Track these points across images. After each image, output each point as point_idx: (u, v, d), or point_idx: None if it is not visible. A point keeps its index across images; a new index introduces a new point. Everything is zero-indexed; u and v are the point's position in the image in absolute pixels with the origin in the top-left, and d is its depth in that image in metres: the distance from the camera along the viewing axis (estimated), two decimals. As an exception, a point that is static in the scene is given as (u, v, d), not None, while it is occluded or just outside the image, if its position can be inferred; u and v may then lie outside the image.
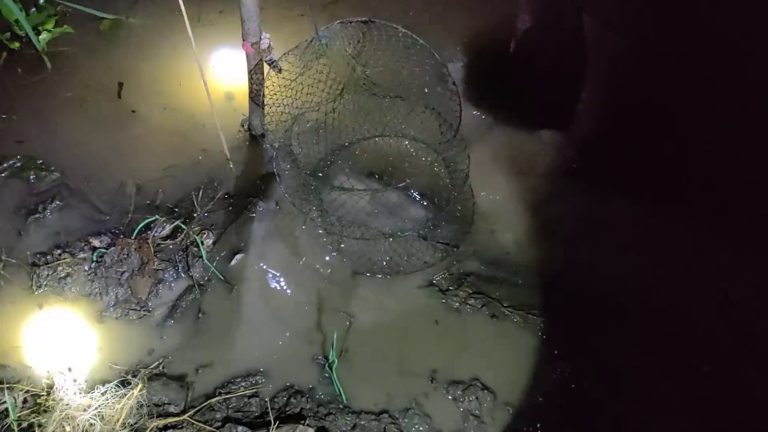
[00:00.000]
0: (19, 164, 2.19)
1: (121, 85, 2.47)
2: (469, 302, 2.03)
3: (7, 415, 1.67)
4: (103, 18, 2.64)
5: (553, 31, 2.24)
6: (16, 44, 2.46)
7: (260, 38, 1.90)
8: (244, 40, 1.92)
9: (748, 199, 2.17)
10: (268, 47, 1.92)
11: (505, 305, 2.04)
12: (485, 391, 1.87)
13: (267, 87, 1.97)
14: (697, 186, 2.30)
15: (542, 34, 2.28)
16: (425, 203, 2.15)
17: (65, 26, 2.51)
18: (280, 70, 1.97)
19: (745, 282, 2.05)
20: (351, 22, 1.99)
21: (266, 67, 1.99)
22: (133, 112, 2.39)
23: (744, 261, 2.09)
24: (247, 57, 1.98)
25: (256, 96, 2.12)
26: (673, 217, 2.26)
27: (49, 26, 2.48)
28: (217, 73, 2.51)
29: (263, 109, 1.96)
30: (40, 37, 2.44)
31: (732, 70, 2.25)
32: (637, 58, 2.34)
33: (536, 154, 2.41)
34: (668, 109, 2.43)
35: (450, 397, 1.87)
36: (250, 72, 2.03)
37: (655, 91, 2.42)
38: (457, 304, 2.03)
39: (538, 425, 1.82)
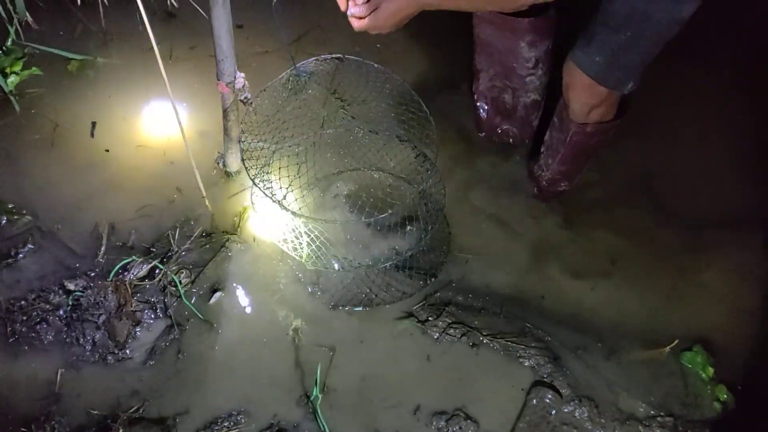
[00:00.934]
0: (-11, 209, 2.16)
1: (94, 124, 2.46)
2: (449, 332, 2.05)
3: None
4: (72, 59, 2.63)
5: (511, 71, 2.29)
6: (-17, 87, 2.44)
7: (235, 78, 1.92)
8: (218, 80, 1.93)
9: None
10: (243, 86, 1.94)
11: (484, 334, 2.05)
12: (468, 421, 1.88)
13: (243, 124, 1.98)
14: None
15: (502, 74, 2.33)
16: (403, 234, 2.17)
17: (33, 68, 2.49)
18: (254, 109, 1.99)
19: None
20: (326, 59, 2.03)
21: (241, 105, 2.01)
22: (107, 151, 2.38)
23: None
24: (222, 96, 1.98)
25: (231, 133, 2.12)
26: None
27: (17, 68, 2.46)
28: (191, 111, 2.51)
29: (240, 146, 1.97)
30: (8, 80, 2.41)
31: None
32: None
33: (511, 180, 2.47)
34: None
35: (434, 428, 1.87)
36: (225, 110, 2.04)
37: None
38: (437, 334, 2.04)
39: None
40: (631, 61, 1.84)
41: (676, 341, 2.06)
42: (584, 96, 1.96)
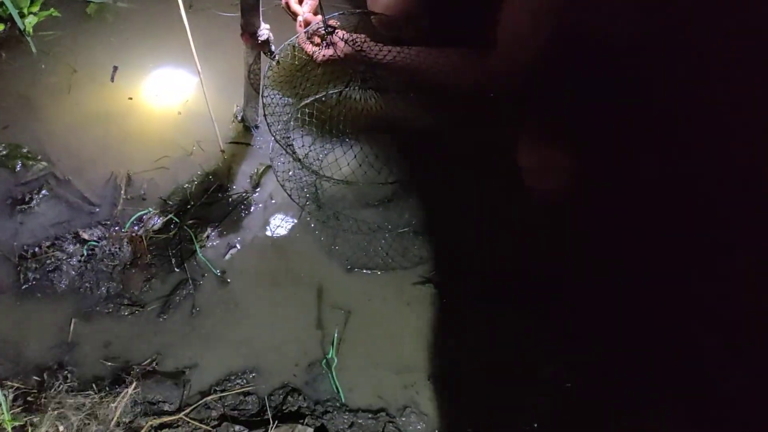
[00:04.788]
0: (5, 152, 2.12)
1: (115, 68, 2.40)
2: (466, 299, 2.02)
3: (-2, 414, 1.62)
4: (90, 1, 2.56)
5: None
6: (1, 27, 2.38)
7: (260, 29, 1.86)
8: (242, 31, 1.87)
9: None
10: (268, 39, 1.88)
11: (499, 299, 2.02)
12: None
13: (266, 78, 1.93)
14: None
15: None
16: (422, 198, 2.13)
17: (51, 9, 2.43)
18: (278, 63, 1.93)
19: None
20: (353, 14, 1.96)
21: (265, 58, 1.96)
22: (130, 99, 2.34)
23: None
24: (245, 48, 1.93)
25: (253, 88, 2.07)
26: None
27: (35, 9, 2.40)
28: (211, 61, 2.45)
29: (262, 101, 1.92)
30: (25, 20, 2.36)
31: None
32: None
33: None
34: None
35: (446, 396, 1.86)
36: (248, 64, 1.98)
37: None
38: (453, 300, 2.01)
39: (535, 425, 1.82)
40: None
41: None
42: None
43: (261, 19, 1.84)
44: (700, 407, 1.86)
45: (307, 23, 1.99)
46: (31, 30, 2.39)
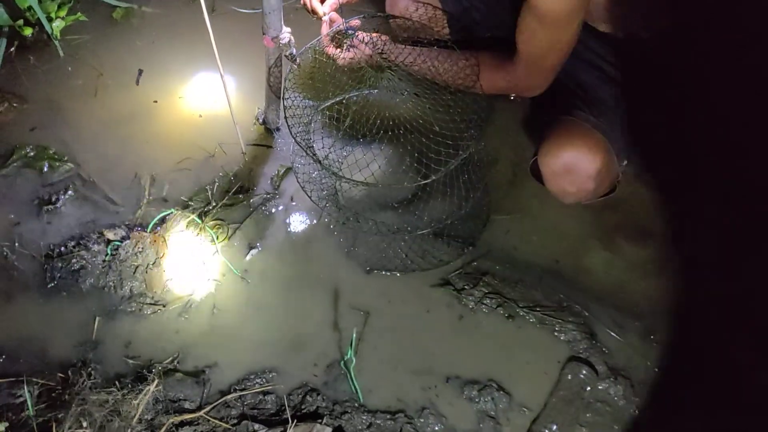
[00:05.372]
0: (32, 154, 2.17)
1: (140, 71, 2.45)
2: (485, 302, 2.02)
3: (23, 410, 1.66)
4: (116, 6, 2.61)
5: None
6: (29, 31, 2.43)
7: (281, 32, 1.88)
8: (264, 34, 1.89)
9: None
10: (289, 42, 1.90)
11: (520, 305, 2.02)
12: (501, 392, 1.86)
13: (287, 80, 1.95)
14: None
15: None
16: (443, 200, 2.13)
17: (79, 14, 2.48)
18: (299, 65, 1.95)
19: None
20: (373, 17, 1.98)
21: (285, 61, 1.97)
22: (155, 102, 2.38)
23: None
24: (266, 51, 1.95)
25: (274, 90, 2.09)
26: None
27: (62, 14, 2.45)
28: (232, 65, 2.48)
29: (283, 103, 1.94)
30: (53, 24, 2.41)
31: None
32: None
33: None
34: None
35: (465, 398, 1.85)
36: (269, 66, 2.01)
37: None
38: (473, 303, 2.01)
39: (554, 428, 1.81)
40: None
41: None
42: (586, 165, 1.93)
43: (282, 22, 1.86)
44: (725, 408, 1.84)
45: (332, 24, 2.01)
46: (58, 34, 2.44)
